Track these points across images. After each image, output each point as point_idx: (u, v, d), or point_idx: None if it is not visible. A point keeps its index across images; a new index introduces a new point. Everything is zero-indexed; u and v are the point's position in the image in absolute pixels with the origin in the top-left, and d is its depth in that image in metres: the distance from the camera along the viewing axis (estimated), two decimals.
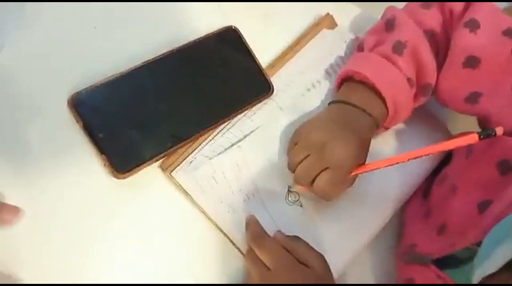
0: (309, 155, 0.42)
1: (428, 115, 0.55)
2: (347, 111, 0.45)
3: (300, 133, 0.45)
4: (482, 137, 0.39)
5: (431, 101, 0.51)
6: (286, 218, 0.46)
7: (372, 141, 0.46)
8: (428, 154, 0.42)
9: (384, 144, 0.51)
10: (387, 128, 0.49)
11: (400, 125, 0.53)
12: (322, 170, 0.42)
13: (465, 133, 0.43)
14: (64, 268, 0.38)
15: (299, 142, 0.44)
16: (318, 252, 0.42)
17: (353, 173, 0.43)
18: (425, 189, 0.54)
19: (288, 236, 0.44)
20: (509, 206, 0.38)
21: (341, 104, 0.46)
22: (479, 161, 0.45)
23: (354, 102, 0.45)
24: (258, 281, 0.41)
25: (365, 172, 0.43)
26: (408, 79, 0.46)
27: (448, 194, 0.47)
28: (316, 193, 0.43)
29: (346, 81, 0.48)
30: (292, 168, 0.44)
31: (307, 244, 0.43)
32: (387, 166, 0.43)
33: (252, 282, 0.42)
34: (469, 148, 0.46)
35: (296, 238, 0.43)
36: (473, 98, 0.46)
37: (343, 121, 0.44)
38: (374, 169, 0.43)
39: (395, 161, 0.42)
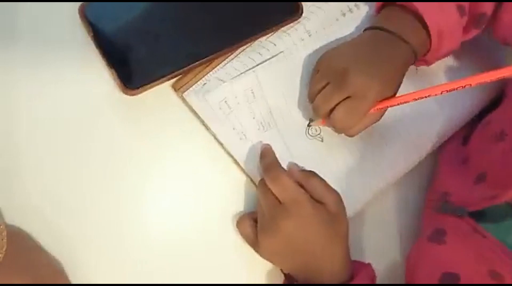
0: (328, 83, 0.38)
1: (480, 53, 0.49)
2: (381, 37, 0.40)
3: (323, 59, 0.41)
4: None
5: (486, 38, 0.45)
6: (305, 151, 0.43)
7: (409, 78, 0.41)
8: (465, 86, 0.36)
9: (422, 83, 0.46)
10: (428, 63, 0.44)
11: (445, 62, 0.47)
12: (342, 100, 0.38)
13: None
14: (69, 186, 0.39)
15: (320, 69, 0.40)
16: (333, 190, 0.40)
17: (377, 107, 0.39)
18: (465, 134, 0.49)
19: (303, 170, 0.42)
20: None
21: (376, 31, 0.40)
22: None
23: (391, 29, 0.39)
24: (267, 213, 0.39)
25: (391, 106, 0.39)
26: (459, 6, 0.39)
27: (493, 141, 0.42)
28: (334, 126, 0.40)
29: (387, 5, 0.42)
30: (311, 97, 0.41)
31: (323, 180, 0.40)
32: (416, 99, 0.38)
33: (261, 213, 0.40)
34: None
35: (312, 173, 0.41)
36: None
37: (373, 48, 0.39)
38: (401, 103, 0.38)
39: (426, 94, 0.37)
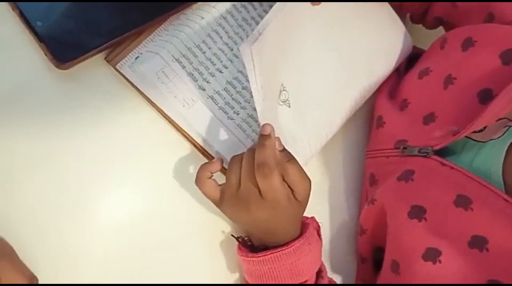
0: None
1: None
2: None
3: None
4: None
5: None
6: (271, 117, 0.42)
7: None
8: None
9: None
10: None
11: None
12: None
13: None
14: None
15: None
16: (306, 177, 0.42)
17: None
18: (391, 86, 0.54)
19: (285, 151, 0.42)
20: None
21: None
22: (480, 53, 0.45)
23: None
24: (243, 193, 0.41)
25: None
26: None
27: (440, 85, 0.47)
28: None
29: None
30: None
31: (299, 167, 0.41)
32: None
33: (234, 186, 0.41)
34: (468, 38, 0.46)
35: (292, 158, 0.41)
36: None
37: None
38: None
39: None
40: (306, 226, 0.45)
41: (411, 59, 0.57)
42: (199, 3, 0.46)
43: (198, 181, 0.43)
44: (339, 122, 0.51)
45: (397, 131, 0.50)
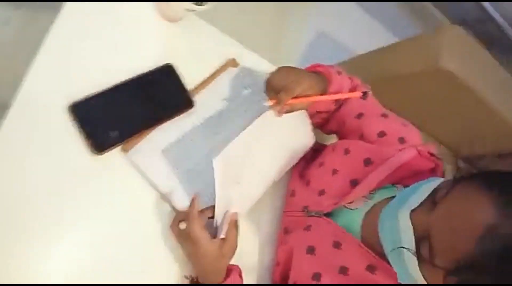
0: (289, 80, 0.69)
1: None
2: (320, 78, 0.74)
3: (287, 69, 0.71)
4: (364, 94, 0.71)
5: None
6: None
7: None
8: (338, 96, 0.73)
9: None
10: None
11: None
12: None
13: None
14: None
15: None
16: (236, 241, 0.70)
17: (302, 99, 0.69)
18: (301, 169, 0.84)
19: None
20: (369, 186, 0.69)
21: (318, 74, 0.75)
22: (352, 157, 0.75)
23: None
24: (186, 229, 0.66)
25: (310, 99, 0.70)
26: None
27: (327, 172, 0.77)
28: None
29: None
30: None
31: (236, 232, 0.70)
32: (311, 101, 0.71)
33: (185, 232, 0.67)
34: (347, 148, 0.76)
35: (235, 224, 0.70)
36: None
37: (317, 78, 0.72)
38: (314, 99, 0.71)
39: (314, 99, 0.71)
40: (230, 272, 0.69)
41: (316, 150, 0.87)
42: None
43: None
44: (262, 191, 0.80)
45: (303, 200, 0.79)
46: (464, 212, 0.50)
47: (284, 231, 0.80)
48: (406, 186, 0.68)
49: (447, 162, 1.55)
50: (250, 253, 0.78)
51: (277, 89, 0.69)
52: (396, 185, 0.71)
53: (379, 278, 0.64)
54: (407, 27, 1.93)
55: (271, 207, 0.84)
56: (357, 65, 1.23)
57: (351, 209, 0.72)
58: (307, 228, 0.74)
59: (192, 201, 0.68)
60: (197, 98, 0.77)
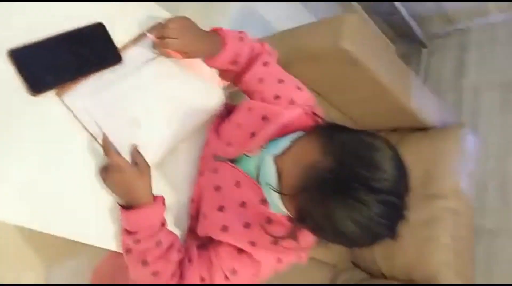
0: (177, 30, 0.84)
1: None
2: (213, 37, 0.88)
3: (184, 20, 0.87)
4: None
5: None
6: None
7: None
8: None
9: None
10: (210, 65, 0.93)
11: None
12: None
13: None
14: None
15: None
16: (142, 158, 0.82)
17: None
18: (217, 124, 0.98)
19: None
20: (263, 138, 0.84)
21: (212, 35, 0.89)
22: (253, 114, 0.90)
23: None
24: (109, 167, 0.79)
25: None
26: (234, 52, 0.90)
27: (233, 127, 0.91)
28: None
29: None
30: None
31: (137, 153, 0.83)
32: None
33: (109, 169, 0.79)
34: (250, 107, 0.90)
35: (139, 152, 0.83)
36: None
37: (208, 37, 0.88)
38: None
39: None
40: (156, 197, 0.82)
41: (229, 110, 1.00)
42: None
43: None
44: (180, 138, 0.93)
45: (214, 149, 0.94)
46: (300, 154, 0.70)
47: (199, 173, 0.95)
48: None
49: None
50: (169, 192, 0.91)
51: (168, 34, 0.84)
52: None
53: (268, 209, 0.81)
54: (329, 14, 2.15)
55: (190, 152, 0.98)
56: (275, 41, 1.39)
57: (250, 156, 0.89)
58: (215, 170, 0.89)
59: (104, 139, 0.80)
60: (124, 54, 0.88)
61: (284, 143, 0.75)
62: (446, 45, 2.41)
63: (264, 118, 0.87)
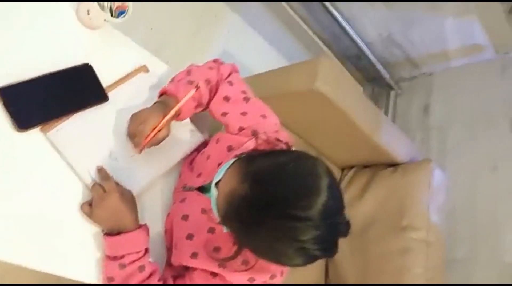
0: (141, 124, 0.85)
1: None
2: (159, 105, 0.89)
3: (136, 115, 0.87)
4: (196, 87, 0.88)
5: None
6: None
7: None
8: (176, 111, 0.87)
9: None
10: (183, 119, 0.95)
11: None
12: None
13: None
14: None
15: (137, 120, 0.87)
16: (128, 190, 0.86)
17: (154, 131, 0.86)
18: (192, 158, 1.03)
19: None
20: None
21: (158, 103, 0.90)
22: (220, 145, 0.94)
23: (166, 103, 0.89)
24: (96, 198, 0.82)
25: (156, 130, 0.86)
26: (193, 97, 0.92)
27: (204, 159, 0.96)
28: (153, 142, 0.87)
29: (163, 94, 0.93)
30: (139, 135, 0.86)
31: (122, 186, 0.86)
32: (168, 119, 0.87)
33: (94, 199, 0.82)
34: (218, 139, 0.95)
35: (117, 183, 0.86)
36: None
37: (160, 108, 0.88)
38: (159, 128, 0.86)
39: (165, 120, 0.87)
40: (141, 226, 0.85)
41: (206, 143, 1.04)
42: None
43: (81, 207, 0.84)
44: (159, 173, 0.97)
45: (185, 180, 0.98)
46: (224, 182, 0.73)
47: (172, 204, 0.98)
48: None
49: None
50: (148, 224, 0.93)
51: (132, 135, 0.87)
52: None
53: None
54: (300, 57, 2.28)
55: (168, 185, 1.02)
56: (253, 83, 1.47)
57: None
58: (183, 200, 0.93)
59: (99, 171, 0.84)
60: (110, 95, 0.93)
61: (224, 170, 0.76)
62: (413, 87, 2.56)
63: (229, 148, 0.91)
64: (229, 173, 0.73)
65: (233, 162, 0.75)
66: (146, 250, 0.85)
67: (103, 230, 0.84)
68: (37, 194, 0.80)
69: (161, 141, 0.89)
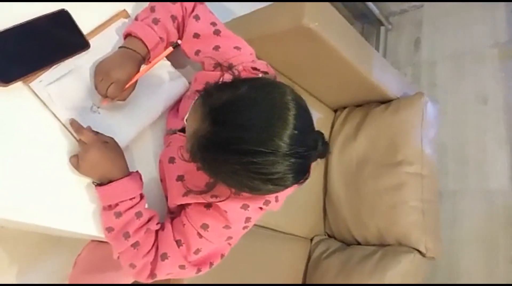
0: (103, 79, 0.82)
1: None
2: (127, 52, 0.85)
3: (97, 67, 0.84)
4: (173, 46, 0.86)
5: None
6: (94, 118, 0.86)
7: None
8: (153, 64, 0.86)
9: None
10: (150, 61, 0.91)
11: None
12: (110, 84, 0.82)
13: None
14: None
15: (96, 73, 0.83)
16: (110, 137, 0.83)
17: (127, 84, 0.84)
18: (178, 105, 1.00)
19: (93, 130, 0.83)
20: None
21: (124, 49, 0.86)
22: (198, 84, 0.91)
23: (132, 47, 0.86)
24: (82, 151, 0.80)
25: (132, 82, 0.84)
26: (161, 37, 0.89)
27: (185, 100, 0.94)
28: (112, 98, 0.84)
29: (128, 36, 0.89)
30: (99, 91, 0.83)
31: (103, 134, 0.83)
32: (140, 75, 0.85)
33: (80, 152, 0.80)
34: (195, 77, 0.93)
35: (97, 132, 0.82)
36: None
37: (121, 57, 0.85)
38: (135, 79, 0.85)
39: (142, 73, 0.85)
40: (131, 172, 0.84)
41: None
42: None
43: (70, 159, 0.81)
44: (146, 123, 0.95)
45: (172, 124, 0.96)
46: (191, 122, 0.70)
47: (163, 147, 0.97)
48: None
49: (326, 117, 1.84)
50: (147, 171, 0.93)
51: (103, 90, 0.82)
52: None
53: None
54: None
55: (158, 133, 1.00)
56: (237, 25, 1.41)
57: None
58: (169, 144, 0.93)
59: (72, 121, 0.81)
60: (91, 41, 0.88)
61: (191, 107, 0.74)
62: (403, 22, 2.50)
63: (207, 85, 0.89)
64: (192, 112, 0.71)
65: (196, 99, 0.72)
66: (141, 196, 0.84)
67: (94, 182, 0.83)
68: (28, 149, 0.78)
69: (128, 95, 0.87)
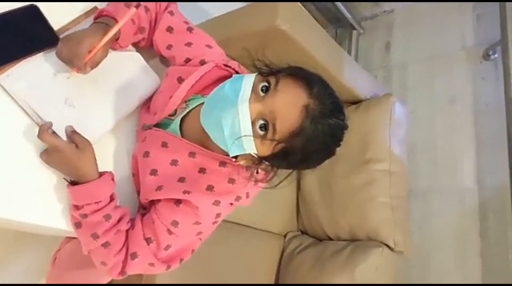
0: (70, 46, 0.81)
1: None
2: (94, 24, 0.86)
3: (64, 38, 0.83)
4: (137, 7, 0.87)
5: None
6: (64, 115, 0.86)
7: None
8: (119, 25, 0.83)
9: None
10: (122, 46, 0.93)
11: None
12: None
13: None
14: None
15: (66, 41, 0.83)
16: (83, 138, 0.82)
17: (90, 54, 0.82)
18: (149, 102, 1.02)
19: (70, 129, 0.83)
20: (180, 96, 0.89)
21: (96, 23, 0.87)
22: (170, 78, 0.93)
23: (100, 21, 0.86)
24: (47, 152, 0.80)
25: (100, 45, 0.83)
26: (132, 20, 0.90)
27: (156, 96, 0.95)
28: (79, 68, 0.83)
29: (100, 16, 0.89)
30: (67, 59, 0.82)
31: (77, 133, 0.82)
32: (107, 38, 0.83)
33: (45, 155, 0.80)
34: (166, 73, 0.95)
35: (73, 131, 0.82)
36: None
37: (90, 27, 0.85)
38: (102, 43, 0.83)
39: (109, 35, 0.83)
40: (103, 173, 0.83)
41: None
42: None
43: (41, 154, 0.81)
44: (120, 117, 0.95)
45: (144, 120, 0.96)
46: (292, 99, 0.73)
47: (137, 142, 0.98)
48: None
49: None
50: (113, 169, 0.93)
51: (69, 58, 0.82)
52: (203, 95, 0.93)
53: (198, 160, 0.85)
54: None
55: (130, 128, 1.01)
56: (212, 26, 1.44)
57: (172, 119, 0.94)
58: (144, 139, 0.93)
59: (41, 127, 0.79)
60: (62, 36, 0.89)
61: (241, 90, 0.74)
62: (374, 26, 2.57)
63: (180, 80, 0.91)
64: (291, 91, 0.74)
65: (282, 79, 0.76)
66: (111, 198, 0.84)
67: (64, 178, 0.83)
68: None
69: (99, 63, 0.86)
